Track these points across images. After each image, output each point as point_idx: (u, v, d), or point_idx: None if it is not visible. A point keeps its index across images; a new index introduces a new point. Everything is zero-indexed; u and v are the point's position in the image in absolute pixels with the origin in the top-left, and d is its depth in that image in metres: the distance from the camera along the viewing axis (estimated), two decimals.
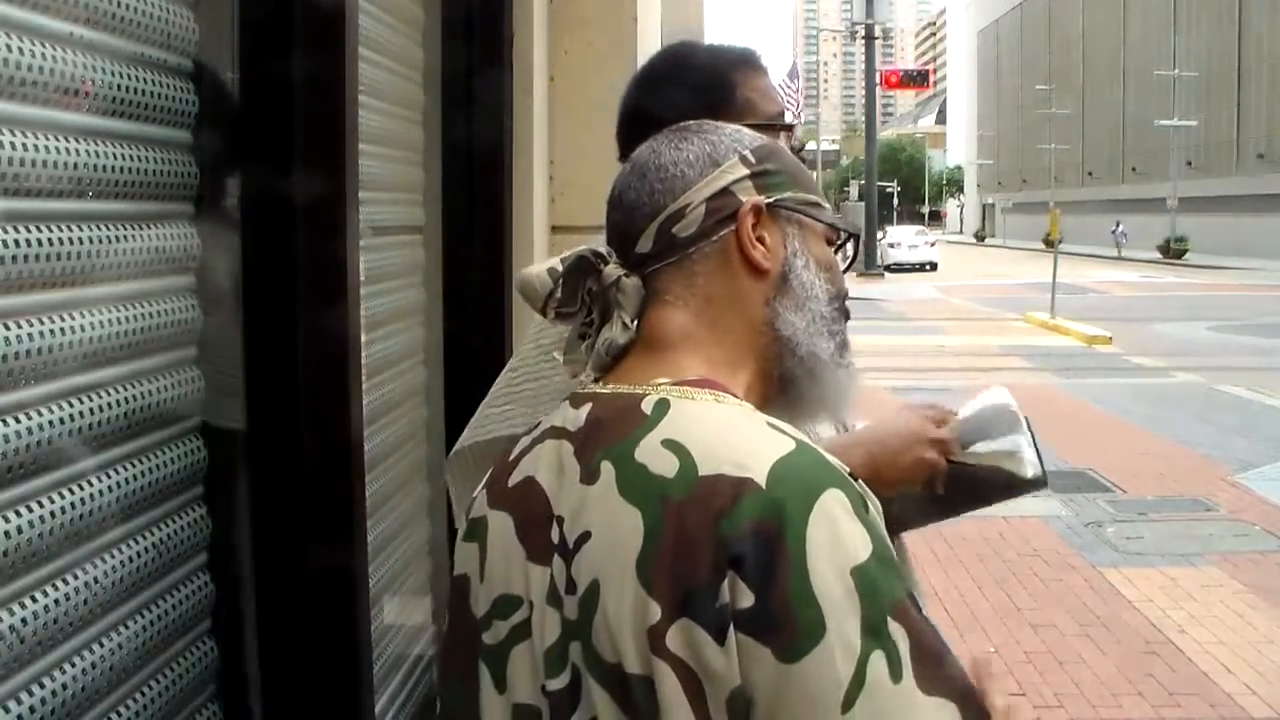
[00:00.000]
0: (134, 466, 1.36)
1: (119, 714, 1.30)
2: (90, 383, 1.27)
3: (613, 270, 1.08)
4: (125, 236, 1.35)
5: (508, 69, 2.84)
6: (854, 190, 78.26)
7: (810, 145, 49.84)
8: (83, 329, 1.26)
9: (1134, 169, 63.11)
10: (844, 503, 0.93)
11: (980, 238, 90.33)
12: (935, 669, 0.91)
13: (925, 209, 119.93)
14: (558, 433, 1.06)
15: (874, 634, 0.89)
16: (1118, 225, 52.68)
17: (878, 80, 43.22)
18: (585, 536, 0.98)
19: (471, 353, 2.66)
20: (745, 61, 1.66)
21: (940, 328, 20.37)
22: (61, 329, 1.21)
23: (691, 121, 1.15)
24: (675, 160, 1.10)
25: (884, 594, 0.91)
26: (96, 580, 1.26)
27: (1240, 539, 7.15)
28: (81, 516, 1.23)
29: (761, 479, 0.92)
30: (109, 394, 1.31)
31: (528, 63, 2.93)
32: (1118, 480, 8.60)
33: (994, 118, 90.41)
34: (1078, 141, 70.34)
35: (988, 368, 14.42)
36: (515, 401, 1.58)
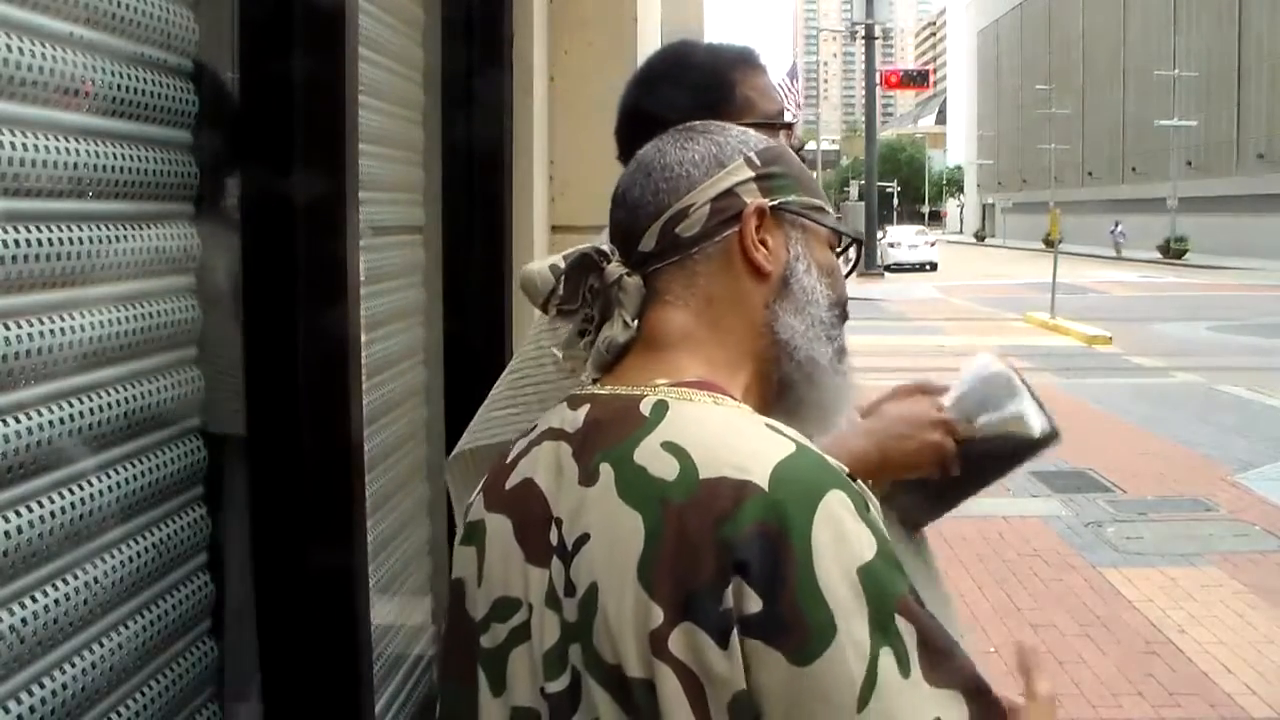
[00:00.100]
0: (134, 466, 1.36)
1: (119, 714, 1.30)
2: (90, 383, 1.27)
3: (615, 269, 1.08)
4: (125, 236, 1.35)
5: (508, 69, 2.84)
6: (854, 190, 78.28)
7: (810, 145, 49.84)
8: (83, 329, 1.26)
9: (1134, 169, 63.10)
10: (846, 503, 0.93)
11: (980, 238, 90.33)
12: (942, 662, 0.92)
13: (925, 209, 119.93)
14: (556, 434, 1.06)
15: (882, 631, 0.90)
16: (1116, 225, 52.66)
17: (878, 80, 43.22)
18: (584, 539, 0.98)
19: (471, 353, 2.66)
20: (744, 60, 1.65)
21: (940, 328, 20.36)
22: (61, 329, 1.22)
23: (697, 122, 1.15)
24: (680, 160, 1.10)
25: (889, 591, 0.91)
26: (96, 580, 1.26)
27: (1240, 539, 7.15)
28: (81, 516, 1.23)
29: (763, 482, 0.92)
30: (109, 394, 1.31)
31: (528, 63, 2.93)
32: (1118, 480, 8.60)
33: (994, 118, 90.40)
34: (1078, 141, 70.33)
35: None
36: (519, 405, 1.58)
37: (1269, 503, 7.95)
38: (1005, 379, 1.61)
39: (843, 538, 0.91)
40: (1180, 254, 48.19)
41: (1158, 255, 48.91)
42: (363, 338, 1.78)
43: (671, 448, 0.96)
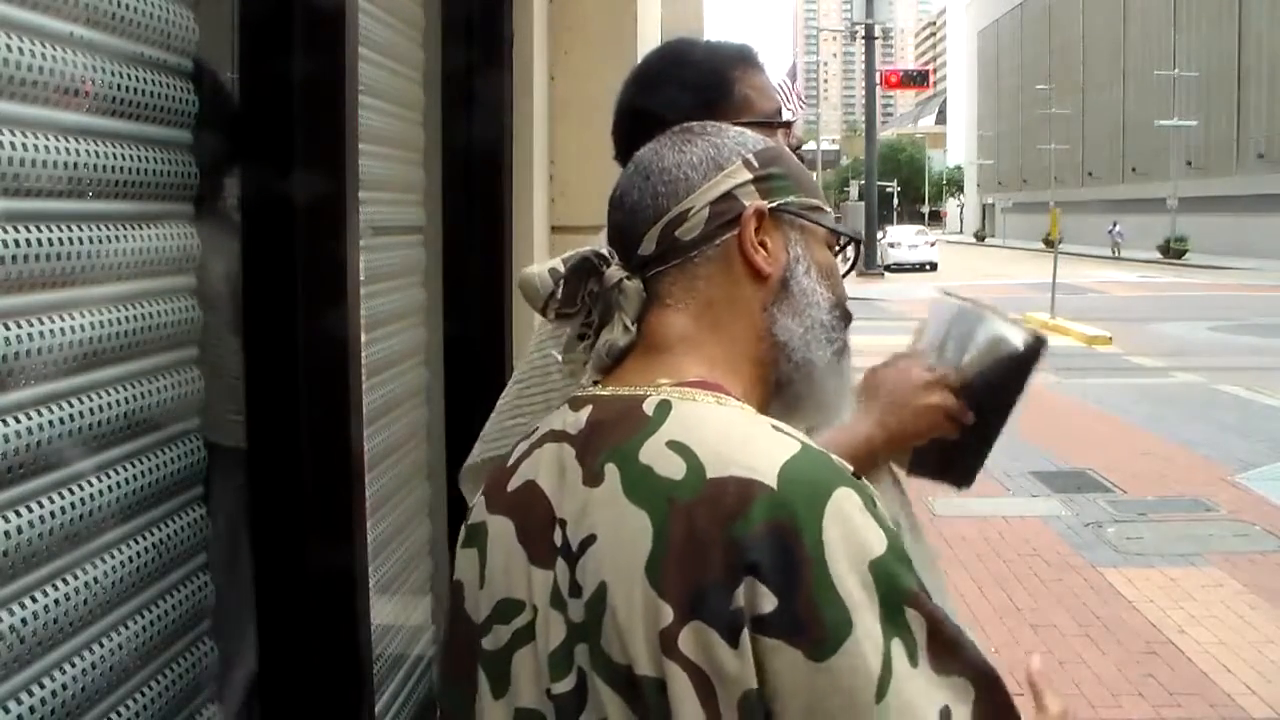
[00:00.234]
0: (133, 467, 1.36)
1: (119, 714, 1.30)
2: (90, 383, 1.27)
3: (614, 272, 1.08)
4: (125, 236, 1.35)
5: (508, 69, 2.84)
6: (854, 190, 78.24)
7: (810, 145, 49.83)
8: (82, 329, 1.26)
9: (1134, 169, 63.11)
10: (854, 500, 0.94)
11: (980, 238, 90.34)
12: (951, 651, 0.93)
13: (925, 209, 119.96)
14: (558, 436, 1.06)
15: (893, 623, 0.91)
16: (1114, 226, 52.65)
17: (878, 80, 43.21)
18: (590, 539, 0.98)
19: (471, 353, 2.66)
20: (742, 58, 1.65)
21: None
22: (61, 329, 1.21)
23: (695, 123, 1.15)
24: (679, 163, 1.10)
25: (900, 585, 0.92)
26: (96, 581, 1.26)
27: (1240, 539, 7.15)
28: (81, 517, 1.23)
29: (772, 481, 0.93)
30: (109, 394, 1.31)
31: (528, 63, 2.93)
32: (1118, 480, 8.61)
33: (994, 118, 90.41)
34: (1078, 141, 70.34)
35: None
36: (527, 414, 1.58)
37: (1269, 503, 7.95)
38: (967, 311, 1.60)
39: (853, 534, 0.92)
40: (1180, 254, 48.20)
41: (1158, 255, 48.92)
42: (363, 338, 1.78)
43: (677, 447, 0.97)
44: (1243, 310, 23.11)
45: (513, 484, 1.08)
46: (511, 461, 1.10)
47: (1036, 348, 1.58)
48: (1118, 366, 15.48)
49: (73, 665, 1.21)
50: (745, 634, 0.90)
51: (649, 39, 3.47)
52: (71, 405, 1.23)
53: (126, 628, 1.32)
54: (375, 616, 1.88)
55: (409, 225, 2.57)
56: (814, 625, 0.89)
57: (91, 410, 1.27)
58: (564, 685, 0.98)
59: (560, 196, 3.21)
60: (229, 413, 1.59)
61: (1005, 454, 7.69)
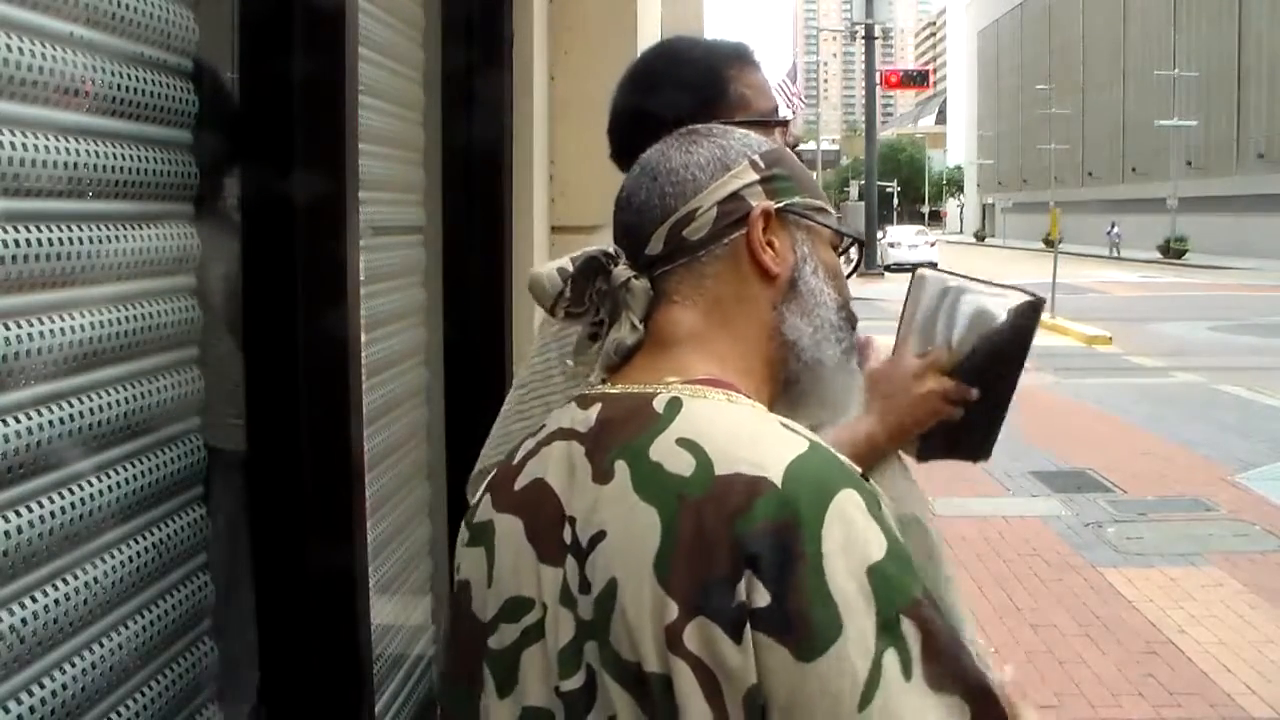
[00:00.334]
0: (133, 467, 1.36)
1: (119, 714, 1.30)
2: (90, 383, 1.27)
3: (622, 271, 1.08)
4: (125, 236, 1.35)
5: (508, 69, 2.84)
6: (854, 190, 78.22)
7: (810, 145, 49.85)
8: (82, 329, 1.26)
9: (1134, 169, 63.10)
10: (858, 502, 0.94)
11: (980, 237, 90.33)
12: (947, 667, 0.92)
13: (925, 209, 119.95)
14: (566, 434, 1.06)
15: (888, 632, 0.90)
16: (1113, 227, 52.60)
17: (878, 80, 43.20)
18: (600, 536, 0.98)
19: (471, 353, 2.66)
20: (739, 57, 1.65)
21: None
22: (61, 329, 1.21)
23: (700, 125, 1.16)
24: (686, 164, 1.10)
25: (898, 592, 0.92)
26: (96, 581, 1.26)
27: (1240, 539, 7.15)
28: (81, 517, 1.23)
29: (777, 478, 0.93)
30: (108, 394, 1.31)
31: (528, 63, 2.93)
32: (1118, 480, 8.60)
33: (994, 118, 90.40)
34: (1077, 141, 70.33)
35: None
36: (529, 419, 1.58)
37: (1269, 503, 7.95)
38: (951, 288, 1.58)
39: (853, 537, 0.92)
40: (1180, 254, 48.19)
41: (1158, 255, 48.91)
42: (363, 338, 1.78)
43: (687, 444, 0.97)
44: (1243, 310, 23.11)
45: (520, 482, 1.08)
46: (517, 460, 1.11)
47: (1032, 312, 1.55)
48: (1118, 366, 15.48)
49: (73, 665, 1.21)
50: (748, 629, 0.90)
51: (649, 39, 3.47)
52: (71, 405, 1.23)
53: (126, 628, 1.32)
54: (375, 616, 1.88)
55: (409, 225, 2.57)
56: (803, 624, 0.89)
57: (91, 410, 1.27)
58: (573, 683, 0.98)
59: (560, 196, 3.21)
60: (229, 417, 1.59)
61: (1005, 454, 7.69)
